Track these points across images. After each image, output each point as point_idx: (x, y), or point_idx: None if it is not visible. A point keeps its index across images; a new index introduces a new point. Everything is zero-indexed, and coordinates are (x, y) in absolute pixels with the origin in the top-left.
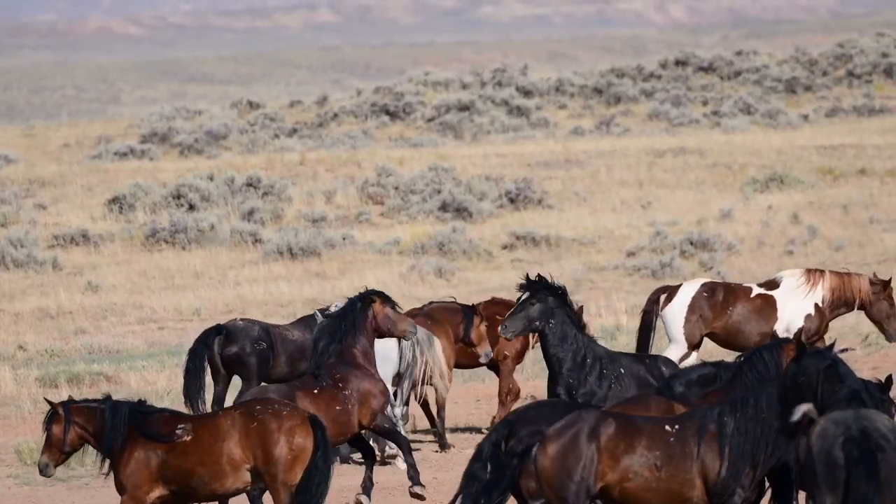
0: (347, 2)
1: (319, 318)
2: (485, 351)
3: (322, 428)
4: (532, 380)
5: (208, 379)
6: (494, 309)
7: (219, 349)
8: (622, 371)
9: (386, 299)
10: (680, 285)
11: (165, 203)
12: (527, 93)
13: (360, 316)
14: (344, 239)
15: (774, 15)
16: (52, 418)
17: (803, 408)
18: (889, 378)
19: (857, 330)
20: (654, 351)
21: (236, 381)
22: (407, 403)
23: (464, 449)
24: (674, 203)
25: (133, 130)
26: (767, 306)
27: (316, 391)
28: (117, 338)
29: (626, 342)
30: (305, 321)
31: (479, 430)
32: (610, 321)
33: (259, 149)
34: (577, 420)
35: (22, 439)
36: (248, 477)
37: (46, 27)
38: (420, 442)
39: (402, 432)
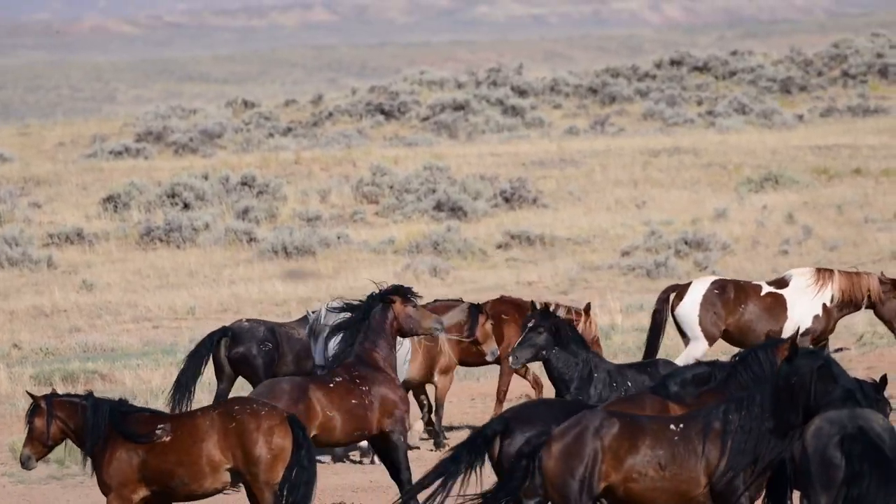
0: (343, 1)
1: (311, 317)
2: (491, 349)
3: (302, 427)
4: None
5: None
6: (502, 307)
7: (225, 351)
8: (629, 384)
9: (406, 296)
10: (689, 283)
11: (160, 202)
12: (522, 92)
13: (380, 318)
14: (339, 238)
15: (770, 15)
16: (34, 411)
17: None
18: (884, 378)
19: (852, 330)
20: (661, 350)
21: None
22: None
23: None
24: (668, 202)
25: (128, 129)
26: (777, 305)
27: (331, 385)
28: (112, 336)
29: (620, 341)
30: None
31: (474, 429)
32: (605, 321)
33: (254, 148)
34: (581, 420)
35: (17, 437)
36: (227, 477)
37: (42, 26)
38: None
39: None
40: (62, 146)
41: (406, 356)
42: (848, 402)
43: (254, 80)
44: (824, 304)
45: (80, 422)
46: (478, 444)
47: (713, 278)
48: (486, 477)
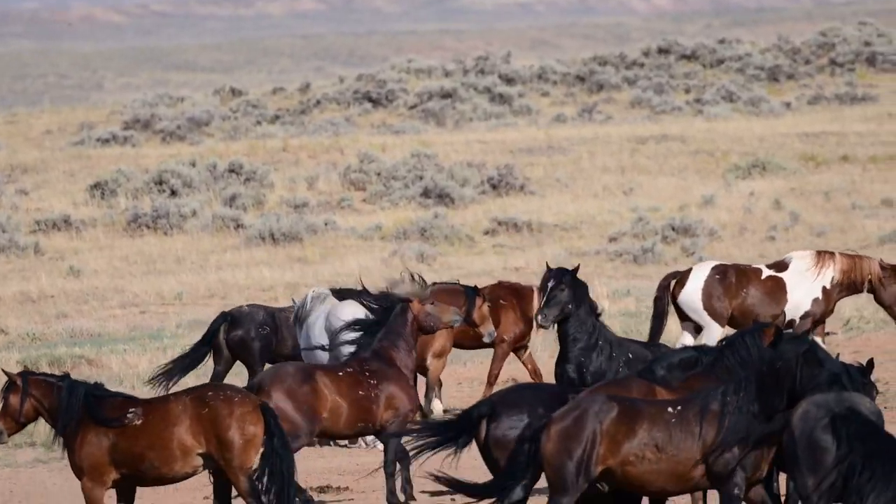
0: None
1: (297, 304)
2: (488, 331)
3: (274, 415)
4: (515, 363)
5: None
6: (500, 292)
7: (224, 334)
8: (630, 356)
9: (419, 294)
10: (690, 270)
11: (147, 189)
12: (509, 80)
13: (400, 320)
14: (326, 224)
15: (757, 3)
16: (9, 388)
17: None
18: (870, 361)
19: (839, 314)
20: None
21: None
22: None
23: None
24: (656, 189)
25: (115, 117)
26: (778, 288)
27: (340, 373)
28: (99, 322)
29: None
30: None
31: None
32: None
33: (241, 135)
34: (581, 403)
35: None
36: (198, 461)
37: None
38: None
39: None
40: (49, 134)
41: None
42: (834, 385)
43: (241, 69)
44: (824, 287)
45: (55, 402)
46: (463, 425)
47: (713, 263)
48: (463, 463)
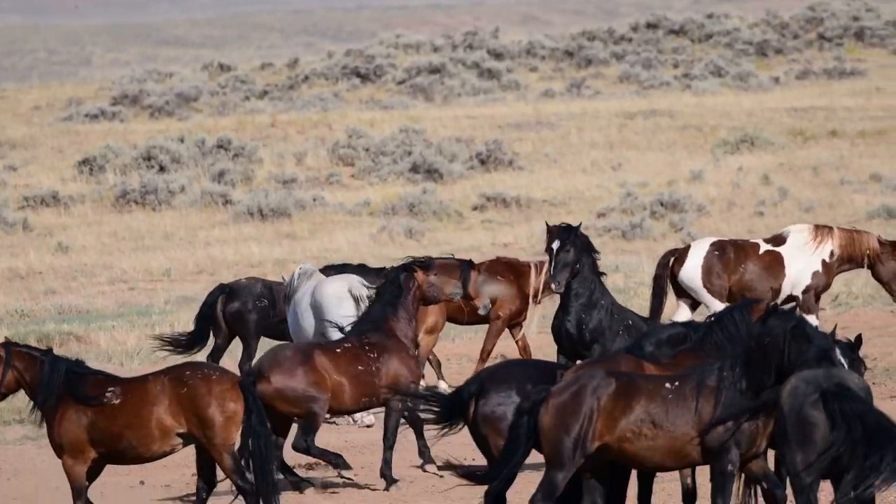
0: None
1: (286, 280)
2: (484, 303)
3: (252, 392)
4: (506, 339)
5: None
6: (498, 269)
7: (221, 307)
8: (630, 323)
9: (426, 266)
10: (688, 247)
11: (136, 165)
12: (498, 55)
13: (404, 288)
14: (314, 200)
15: None
16: None
17: None
18: (858, 337)
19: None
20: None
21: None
22: None
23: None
24: (644, 164)
25: (104, 93)
26: (776, 263)
27: (338, 350)
28: (87, 298)
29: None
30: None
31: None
32: None
33: (230, 111)
34: (580, 378)
35: None
36: (176, 441)
37: None
38: None
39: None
40: (38, 109)
41: None
42: (823, 361)
43: (230, 44)
44: (824, 260)
45: (36, 376)
46: (455, 404)
47: (711, 239)
48: (453, 440)
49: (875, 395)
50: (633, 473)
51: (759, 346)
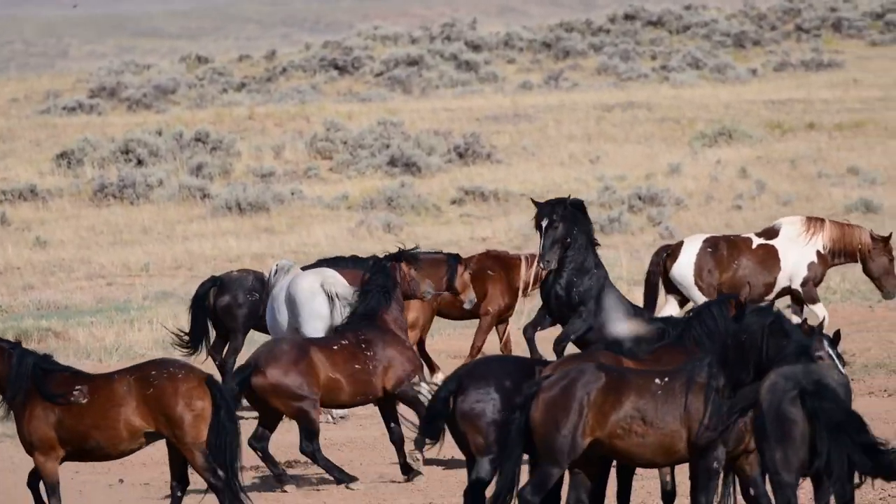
0: None
1: (275, 270)
2: (469, 297)
3: (220, 388)
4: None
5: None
6: (488, 262)
7: (212, 299)
8: (618, 297)
9: (412, 259)
10: (681, 243)
11: (114, 158)
12: (475, 47)
13: (389, 280)
14: (293, 194)
15: None
16: None
17: None
18: (837, 333)
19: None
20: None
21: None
22: None
23: None
24: (622, 157)
25: (81, 85)
26: (770, 256)
27: (334, 347)
28: (65, 293)
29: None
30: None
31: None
32: None
33: (207, 103)
34: (570, 373)
35: None
36: (143, 439)
37: None
38: None
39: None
40: (15, 102)
41: None
42: (802, 357)
43: (208, 36)
44: (818, 251)
45: (5, 369)
46: (437, 408)
47: (704, 236)
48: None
49: (854, 391)
50: (613, 471)
51: (736, 342)
